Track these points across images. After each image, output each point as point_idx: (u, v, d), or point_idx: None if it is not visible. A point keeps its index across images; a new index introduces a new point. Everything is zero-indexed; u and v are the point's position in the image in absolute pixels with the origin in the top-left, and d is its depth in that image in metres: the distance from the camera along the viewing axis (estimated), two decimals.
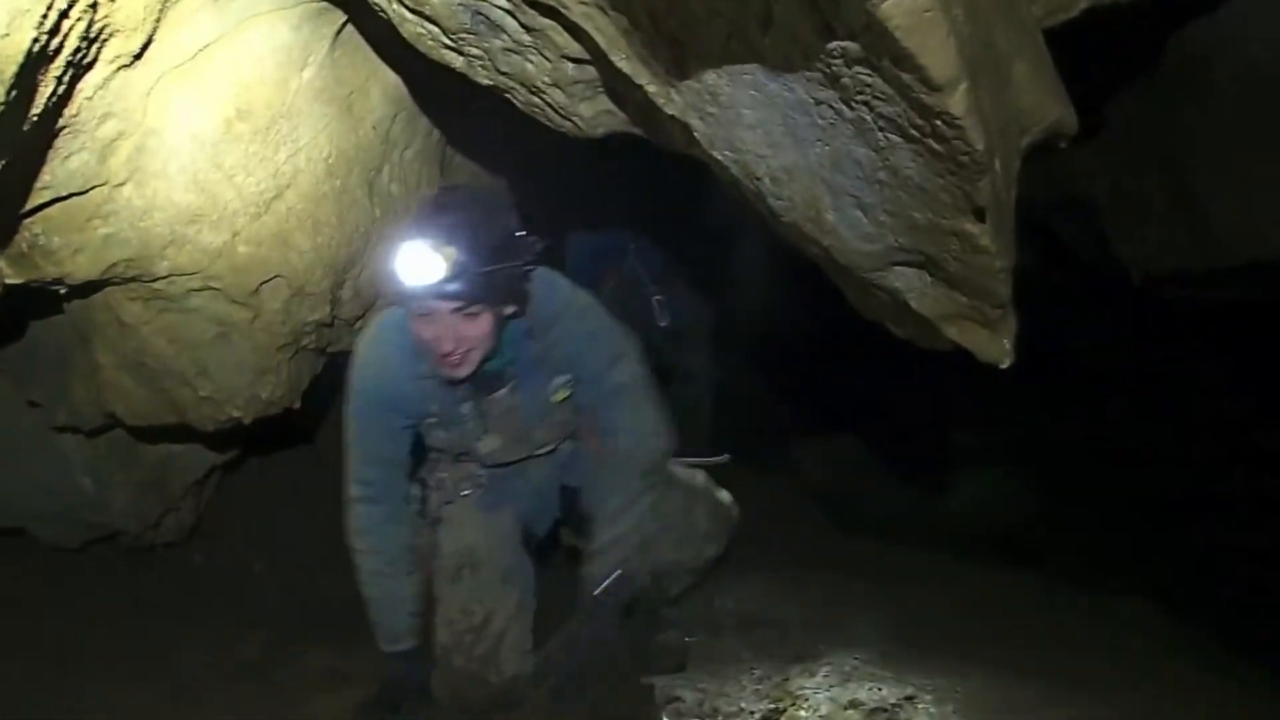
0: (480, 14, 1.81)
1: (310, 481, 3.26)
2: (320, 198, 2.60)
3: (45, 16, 1.53)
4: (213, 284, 2.55)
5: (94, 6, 1.73)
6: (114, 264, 2.36)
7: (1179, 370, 4.47)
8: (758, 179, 1.63)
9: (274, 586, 3.25)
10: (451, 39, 1.92)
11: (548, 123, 2.05)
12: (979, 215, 1.46)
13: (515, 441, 2.32)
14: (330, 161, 2.57)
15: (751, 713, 2.18)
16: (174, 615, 2.98)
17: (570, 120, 2.00)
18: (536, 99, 2.01)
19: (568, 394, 2.27)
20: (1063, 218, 3.99)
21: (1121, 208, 3.75)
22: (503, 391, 2.23)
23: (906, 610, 2.84)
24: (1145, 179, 3.57)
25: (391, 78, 2.57)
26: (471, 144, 3.09)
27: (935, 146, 1.37)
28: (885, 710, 2.10)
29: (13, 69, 1.51)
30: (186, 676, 2.51)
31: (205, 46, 2.15)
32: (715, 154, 1.67)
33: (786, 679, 2.30)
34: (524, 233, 2.09)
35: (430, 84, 2.49)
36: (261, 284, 2.60)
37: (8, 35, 1.46)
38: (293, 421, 3.06)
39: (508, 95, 2.07)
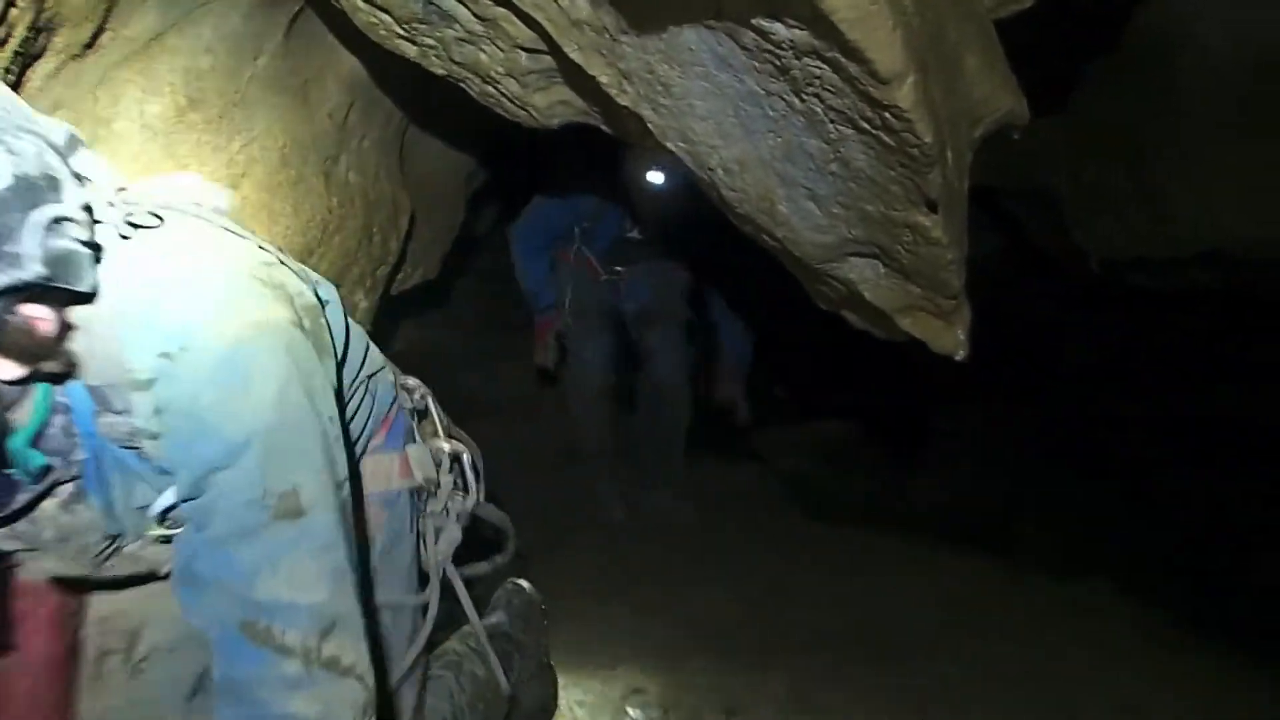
0: (432, 3, 1.79)
1: None
2: (275, 187, 2.56)
3: None
4: None
5: None
6: None
7: (1138, 357, 4.53)
8: (710, 169, 1.63)
9: None
10: (404, 28, 1.89)
11: (503, 112, 2.03)
12: (930, 207, 1.46)
13: None
14: (285, 151, 2.54)
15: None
16: None
17: (525, 110, 1.98)
18: (491, 89, 2.00)
19: None
20: (1022, 206, 4.02)
21: (1082, 195, 3.78)
22: None
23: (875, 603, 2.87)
24: (1106, 167, 3.60)
25: (347, 66, 2.53)
26: (430, 132, 3.06)
27: (885, 139, 1.37)
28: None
29: None
30: None
31: (156, 36, 2.11)
32: (669, 144, 1.67)
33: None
34: None
35: (387, 72, 2.47)
36: None
37: None
38: None
39: (462, 85, 2.05)
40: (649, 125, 1.67)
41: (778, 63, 1.38)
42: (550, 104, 1.95)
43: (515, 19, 1.75)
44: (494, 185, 3.83)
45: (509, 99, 1.97)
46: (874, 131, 1.39)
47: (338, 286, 1.56)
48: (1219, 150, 3.11)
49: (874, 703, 2.27)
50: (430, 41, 1.91)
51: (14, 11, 1.68)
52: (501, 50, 1.84)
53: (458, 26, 1.84)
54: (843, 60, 1.29)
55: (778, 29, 1.29)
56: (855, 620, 2.74)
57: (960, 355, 1.69)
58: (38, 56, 1.90)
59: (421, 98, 2.53)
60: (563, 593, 2.55)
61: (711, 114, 1.55)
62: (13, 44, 1.74)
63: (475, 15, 1.79)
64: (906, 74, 1.29)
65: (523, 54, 1.85)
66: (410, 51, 2.01)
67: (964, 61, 1.57)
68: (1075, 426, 4.73)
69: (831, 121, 1.43)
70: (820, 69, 1.35)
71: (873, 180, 1.49)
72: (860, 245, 1.62)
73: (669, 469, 3.89)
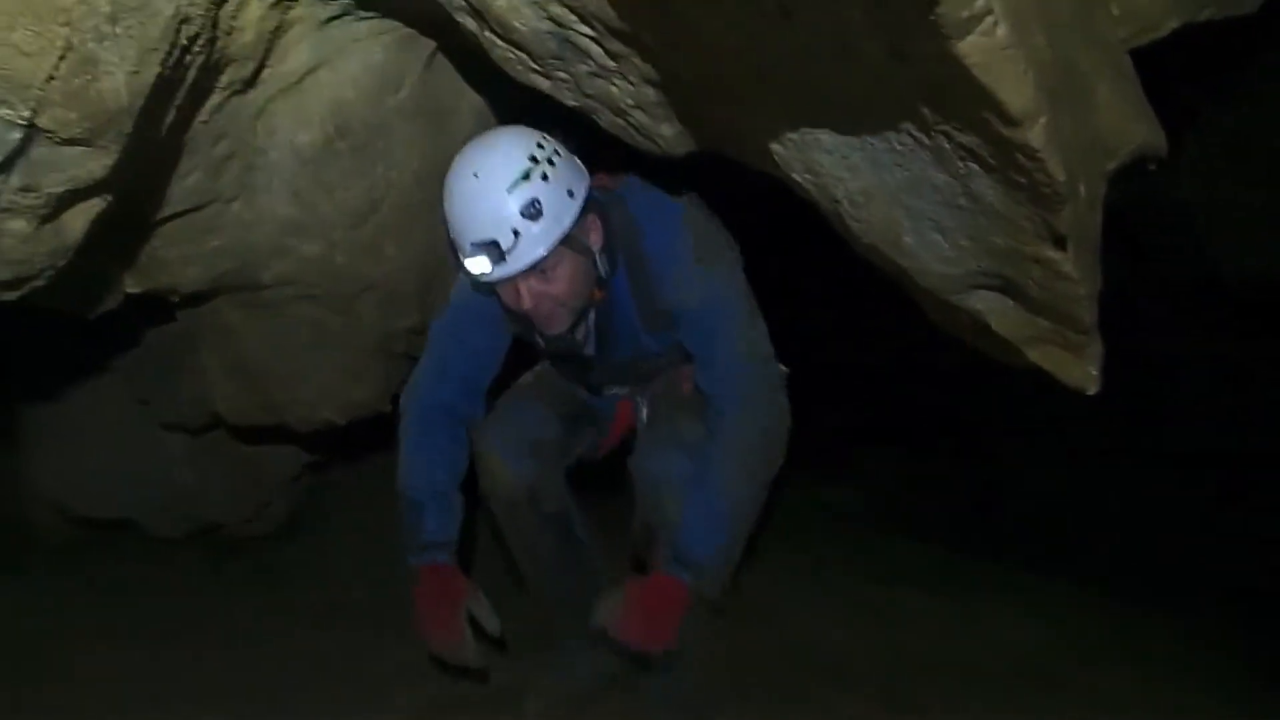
0: (567, 41, 1.87)
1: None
2: (411, 209, 2.71)
3: (170, 53, 1.64)
4: (312, 292, 2.68)
5: (212, 41, 1.84)
6: (222, 273, 2.51)
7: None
8: (836, 201, 1.66)
9: (360, 581, 3.39)
10: (539, 64, 1.98)
11: (631, 142, 2.10)
12: (1060, 243, 1.46)
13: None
14: (421, 175, 2.68)
15: None
16: (262, 606, 3.14)
17: (653, 140, 2.05)
18: (620, 120, 2.07)
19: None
20: (1153, 227, 3.90)
21: (1218, 213, 3.66)
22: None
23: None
24: (1243, 187, 3.47)
25: (480, 98, 2.65)
26: None
27: (1015, 176, 1.38)
28: None
29: (140, 102, 1.62)
30: (270, 667, 2.63)
31: (309, 71, 2.27)
32: (794, 176, 1.71)
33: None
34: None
35: (516, 103, 2.57)
36: (356, 292, 2.73)
37: (137, 72, 1.57)
38: (382, 423, 3.19)
39: (593, 116, 2.13)
40: (775, 157, 1.72)
41: (904, 101, 1.41)
42: (677, 134, 2.01)
43: (641, 59, 1.82)
44: None
45: (638, 130, 2.03)
46: (1003, 169, 1.40)
47: None
48: None
49: None
50: (564, 76, 2.00)
51: (189, 56, 1.84)
52: (631, 84, 1.91)
53: (590, 62, 1.92)
54: (971, 102, 1.31)
55: (907, 71, 1.31)
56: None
57: (1091, 390, 1.67)
58: (207, 94, 2.07)
59: (546, 127, 2.63)
60: None
61: (837, 147, 1.59)
62: (186, 85, 1.90)
63: (607, 52, 1.86)
64: (1038, 115, 1.30)
65: (650, 88, 1.92)
66: (544, 85, 2.09)
67: (1096, 93, 1.56)
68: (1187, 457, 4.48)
69: (960, 158, 1.44)
70: (950, 105, 1.37)
71: (1001, 215, 1.50)
72: (988, 277, 1.63)
73: None
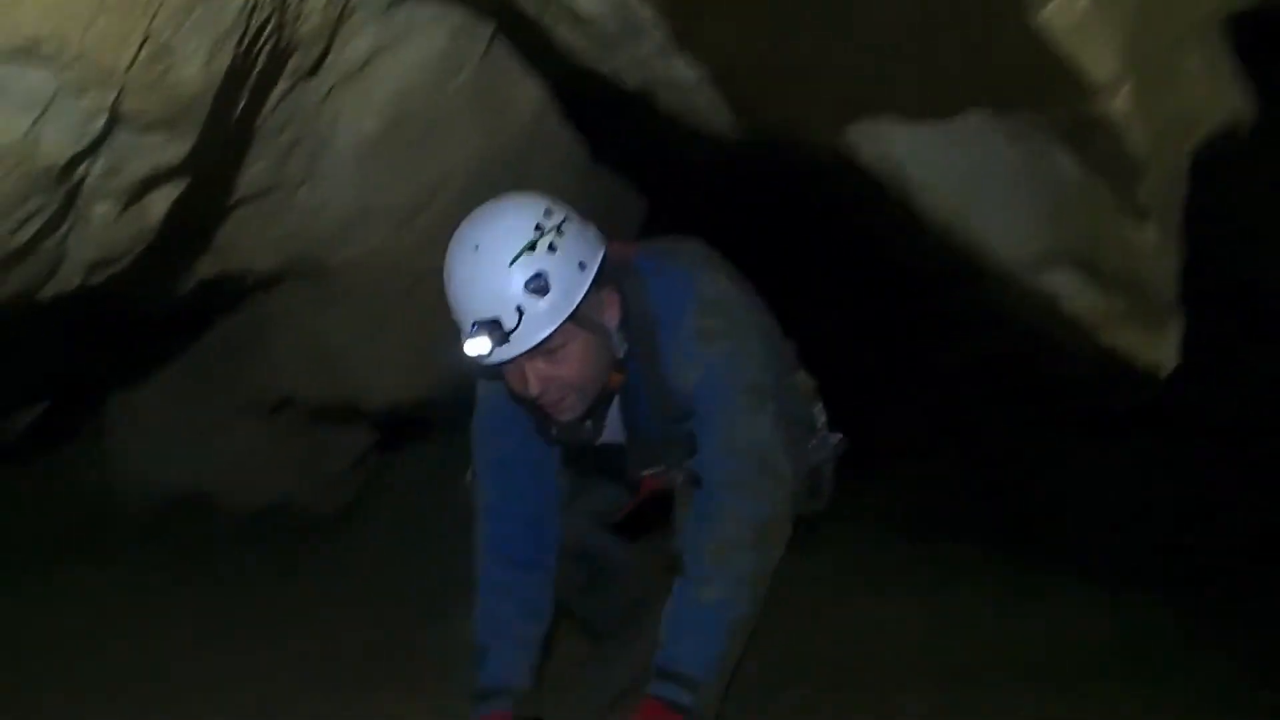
0: (629, 23, 1.86)
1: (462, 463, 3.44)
2: (471, 194, 2.73)
3: (240, 43, 1.67)
4: (376, 276, 2.73)
5: (280, 28, 1.87)
6: (291, 258, 2.56)
7: None
8: (904, 182, 1.63)
9: (420, 561, 3.45)
10: (600, 46, 1.98)
11: (694, 125, 2.09)
12: (1141, 217, 1.42)
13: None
14: (481, 160, 2.70)
15: None
16: (327, 583, 3.21)
17: (714, 122, 2.04)
18: (679, 100, 2.06)
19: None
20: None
21: None
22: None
23: None
24: None
25: (539, 83, 2.66)
26: (613, 146, 3.17)
27: (1095, 150, 1.34)
28: None
29: (214, 89, 1.66)
30: (326, 642, 2.69)
31: (371, 57, 2.29)
32: (862, 158, 1.68)
33: None
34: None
35: (575, 89, 2.58)
36: (420, 275, 2.76)
37: (211, 60, 1.61)
38: (447, 406, 3.23)
39: (652, 98, 2.12)
40: (841, 140, 1.69)
41: (980, 76, 1.38)
42: (737, 117, 1.99)
43: (703, 40, 1.81)
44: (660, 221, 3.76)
45: (697, 112, 2.03)
46: (1083, 142, 1.36)
47: None
48: None
49: None
50: (625, 57, 1.99)
51: (257, 45, 1.87)
52: (692, 66, 1.90)
53: (652, 43, 1.91)
54: (1053, 72, 1.27)
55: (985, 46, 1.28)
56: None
57: (1166, 371, 1.62)
58: (274, 82, 2.10)
59: (607, 112, 2.63)
60: None
61: (908, 128, 1.55)
62: (254, 73, 1.94)
63: (669, 33, 1.85)
64: (1120, 85, 1.26)
65: (712, 70, 1.90)
66: (604, 68, 2.10)
67: (1183, 63, 1.50)
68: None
69: (1037, 131, 1.41)
70: (1027, 80, 1.33)
71: (1079, 190, 1.45)
72: (1063, 256, 1.58)
73: None
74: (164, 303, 2.51)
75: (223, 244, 2.39)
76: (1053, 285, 1.64)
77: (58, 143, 1.46)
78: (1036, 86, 1.29)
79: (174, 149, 1.69)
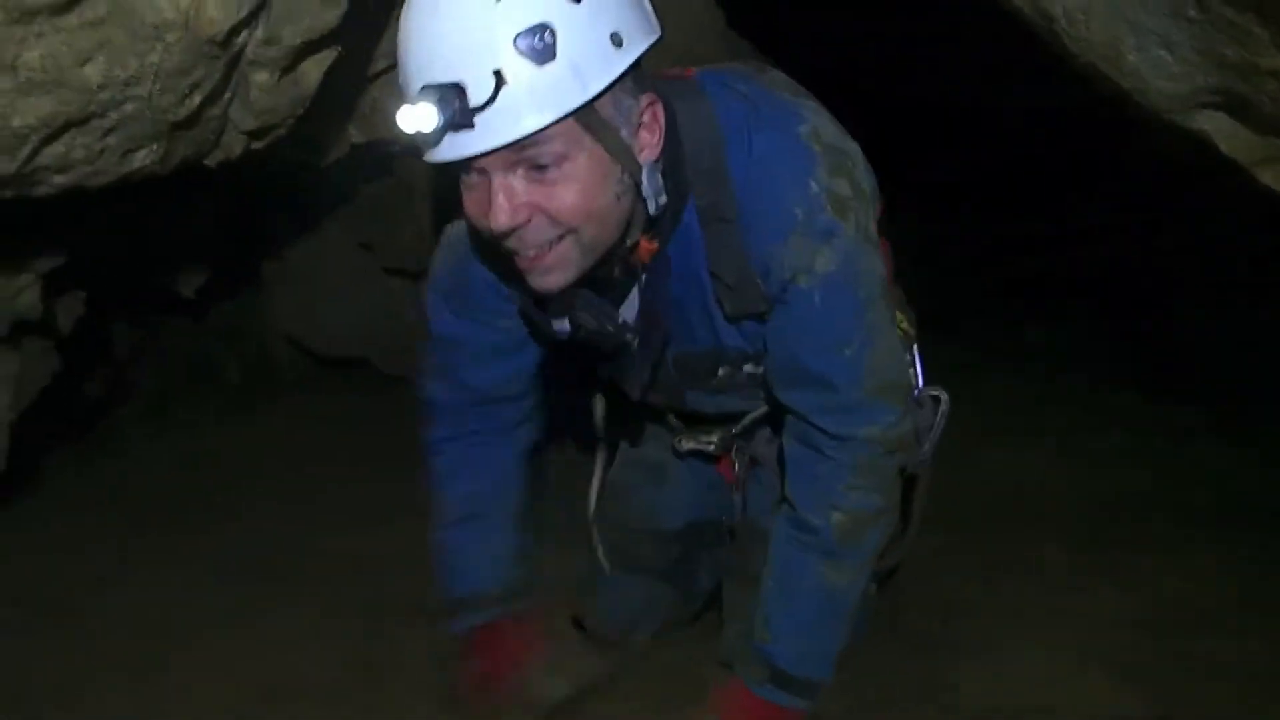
0: None
1: None
2: None
3: None
4: None
5: None
6: None
7: None
8: (1052, 19, 1.57)
9: None
10: None
11: None
12: None
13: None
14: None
15: None
16: None
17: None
18: None
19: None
20: None
21: None
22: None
23: None
24: None
25: None
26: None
27: None
28: None
29: None
30: None
31: None
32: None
33: None
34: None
35: None
36: None
37: None
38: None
39: None
40: None
41: None
42: None
43: None
44: None
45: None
46: None
47: None
48: None
49: None
50: None
51: None
52: None
53: None
54: None
55: None
56: None
57: None
58: None
59: None
60: None
61: None
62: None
63: None
64: None
65: None
66: None
67: None
68: None
69: None
70: None
71: (1233, 24, 1.38)
72: (1216, 95, 1.51)
73: None
74: (318, 166, 2.66)
75: (372, 110, 2.51)
76: (1206, 125, 1.58)
77: (219, 12, 1.52)
78: None
79: (329, 13, 1.78)
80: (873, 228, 1.33)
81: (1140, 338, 3.80)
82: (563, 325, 1.30)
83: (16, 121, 1.44)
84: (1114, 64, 1.54)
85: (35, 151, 1.50)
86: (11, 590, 2.23)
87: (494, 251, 1.25)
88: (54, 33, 1.38)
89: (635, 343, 1.35)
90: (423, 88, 1.06)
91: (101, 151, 1.60)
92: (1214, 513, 2.46)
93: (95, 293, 2.51)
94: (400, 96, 1.11)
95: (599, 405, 1.81)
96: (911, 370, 1.63)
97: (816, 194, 1.23)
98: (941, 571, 2.17)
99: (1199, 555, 2.23)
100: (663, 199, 1.21)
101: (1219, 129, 1.58)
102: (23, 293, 2.09)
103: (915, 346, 1.67)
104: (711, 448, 1.70)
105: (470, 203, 1.18)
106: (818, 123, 1.30)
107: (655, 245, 1.29)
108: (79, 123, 1.51)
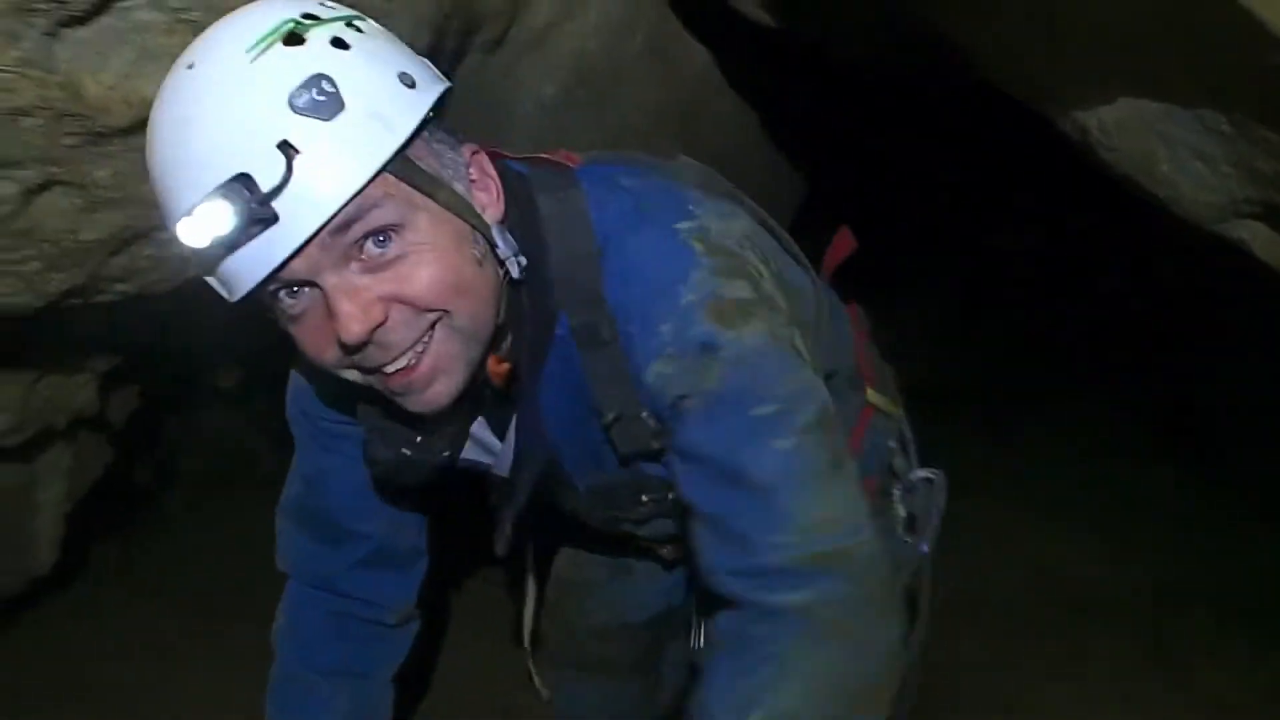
0: None
1: None
2: (651, 140, 2.83)
3: (436, 20, 1.81)
4: None
5: (469, 3, 2.01)
6: None
7: None
8: (1086, 131, 1.60)
9: None
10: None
11: (870, 74, 2.10)
12: None
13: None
14: (655, 115, 2.78)
15: None
16: None
17: (875, 70, 2.04)
18: (852, 48, 2.07)
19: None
20: None
21: None
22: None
23: None
24: None
25: (706, 49, 2.72)
26: (777, 101, 3.18)
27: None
28: None
29: None
30: None
31: (551, 25, 2.40)
32: (1043, 105, 1.66)
33: None
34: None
35: (742, 46, 2.61)
36: None
37: (413, 43, 1.75)
38: None
39: (825, 48, 2.14)
40: (1021, 84, 1.68)
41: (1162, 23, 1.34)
42: (914, 58, 1.99)
43: None
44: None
45: (871, 60, 2.03)
46: (1269, 93, 1.31)
47: None
48: None
49: None
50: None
51: (449, 23, 2.02)
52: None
53: None
54: (1231, 22, 1.23)
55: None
56: None
57: None
58: (463, 56, 2.25)
59: (771, 68, 2.65)
60: None
61: (1090, 76, 1.53)
62: (446, 51, 2.08)
63: None
64: None
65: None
66: (769, 21, 2.13)
67: None
68: None
69: (1223, 84, 1.36)
70: (1210, 31, 1.29)
71: (1267, 139, 1.40)
72: (1252, 205, 1.52)
73: None
74: None
75: None
76: (1244, 233, 1.59)
77: None
78: (1220, 40, 1.25)
79: None
80: (798, 335, 1.05)
81: (1172, 415, 3.74)
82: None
83: (86, 235, 1.51)
84: (1150, 175, 1.56)
85: (101, 264, 1.58)
86: (69, 678, 2.27)
87: (347, 392, 1.01)
88: (125, 152, 1.46)
89: (499, 471, 1.16)
90: (206, 194, 0.83)
91: (164, 260, 1.67)
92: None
93: (147, 386, 2.58)
94: (168, 215, 0.88)
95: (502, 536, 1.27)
96: (901, 460, 1.44)
97: (689, 304, 0.97)
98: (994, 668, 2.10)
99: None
100: (523, 260, 0.99)
101: (1256, 236, 1.59)
102: (81, 390, 2.16)
103: (904, 426, 1.48)
104: (666, 552, 1.46)
105: (304, 335, 0.93)
106: (708, 219, 1.04)
107: (506, 368, 1.06)
108: (144, 234, 1.59)
